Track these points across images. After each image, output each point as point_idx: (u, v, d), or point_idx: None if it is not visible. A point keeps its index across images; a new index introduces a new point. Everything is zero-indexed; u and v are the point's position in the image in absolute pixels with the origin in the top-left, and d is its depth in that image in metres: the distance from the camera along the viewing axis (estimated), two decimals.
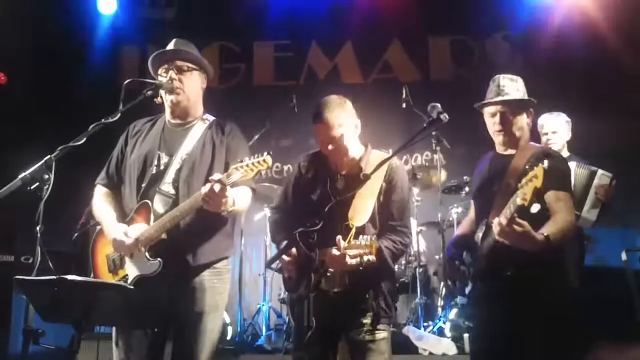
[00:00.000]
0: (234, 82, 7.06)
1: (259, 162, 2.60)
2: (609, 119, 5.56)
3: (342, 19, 6.94)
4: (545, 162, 2.41)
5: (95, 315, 2.41)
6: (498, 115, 2.90)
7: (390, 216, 2.87)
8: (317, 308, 2.53)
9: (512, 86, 2.93)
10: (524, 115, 2.94)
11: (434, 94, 5.93)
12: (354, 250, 2.63)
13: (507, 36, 6.72)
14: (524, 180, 2.44)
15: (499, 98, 2.90)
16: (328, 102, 2.91)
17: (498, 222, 2.51)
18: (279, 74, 7.13)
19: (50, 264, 2.20)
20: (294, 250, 2.85)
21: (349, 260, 2.65)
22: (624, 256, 4.54)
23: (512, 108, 2.90)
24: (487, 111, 2.96)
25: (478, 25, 6.71)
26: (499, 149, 2.99)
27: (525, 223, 2.47)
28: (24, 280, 2.24)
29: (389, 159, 2.74)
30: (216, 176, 2.62)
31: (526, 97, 2.96)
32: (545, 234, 2.52)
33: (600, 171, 4.39)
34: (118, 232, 2.82)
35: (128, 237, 2.80)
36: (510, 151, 2.93)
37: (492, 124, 2.93)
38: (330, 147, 2.87)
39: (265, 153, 2.61)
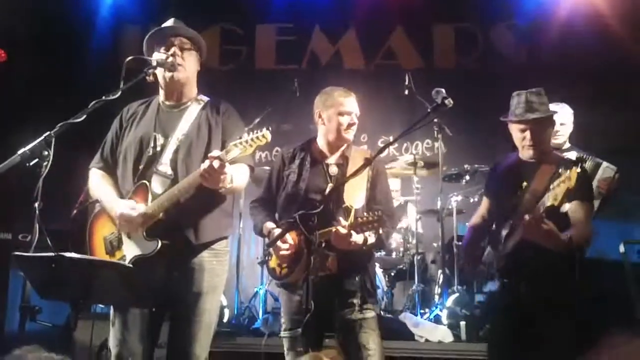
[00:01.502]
0: (236, 64, 7.01)
1: (257, 137, 2.60)
2: (612, 112, 5.54)
3: (346, 4, 6.91)
4: (580, 166, 2.61)
5: (92, 293, 2.40)
6: (528, 131, 3.05)
7: (378, 202, 3.08)
8: (312, 291, 2.58)
9: (540, 101, 3.09)
10: (550, 128, 3.16)
11: (436, 82, 5.84)
12: (360, 227, 2.81)
13: (512, 26, 6.66)
14: (556, 182, 2.63)
15: (530, 116, 3.05)
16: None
17: (527, 220, 2.70)
18: (281, 57, 7.07)
19: (49, 241, 2.18)
20: (289, 238, 2.95)
21: (354, 238, 2.83)
22: (621, 248, 4.55)
23: (541, 124, 3.07)
24: (516, 127, 3.11)
25: (483, 14, 6.67)
26: (525, 158, 3.13)
27: (551, 223, 2.69)
28: (22, 257, 2.23)
29: (392, 143, 2.88)
30: (215, 153, 2.63)
31: (551, 110, 3.15)
32: (569, 235, 2.76)
33: (605, 164, 4.37)
34: (124, 207, 2.81)
35: (135, 210, 2.78)
36: (535, 159, 3.09)
37: (522, 139, 3.09)
38: (354, 120, 3.16)
39: (264, 129, 2.61)
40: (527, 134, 3.05)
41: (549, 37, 6.26)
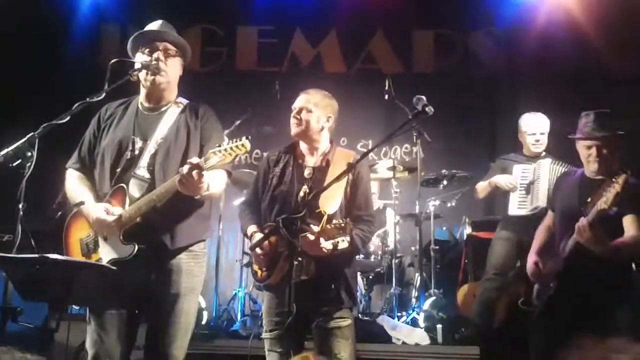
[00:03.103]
0: (216, 66, 6.99)
1: (237, 146, 2.60)
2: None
3: (327, 7, 6.90)
4: (628, 172, 2.84)
5: (74, 295, 2.40)
6: (594, 148, 3.23)
7: (357, 207, 3.08)
8: (293, 294, 2.60)
9: (607, 121, 3.27)
10: (616, 148, 3.28)
11: (415, 87, 5.92)
12: (329, 233, 2.80)
13: (491, 32, 6.72)
14: (607, 187, 2.87)
15: (597, 134, 3.24)
16: (313, 89, 3.21)
17: (581, 224, 2.94)
18: (262, 59, 7.06)
19: (33, 243, 2.18)
20: (265, 242, 2.96)
21: (323, 244, 2.82)
22: None
23: (606, 142, 3.24)
24: (583, 144, 3.30)
25: (463, 20, 6.74)
26: (590, 174, 3.32)
27: (598, 227, 2.92)
28: (5, 258, 2.22)
29: (373, 149, 2.88)
30: (194, 160, 2.62)
31: (619, 132, 3.29)
32: (618, 244, 2.99)
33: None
34: (99, 211, 2.80)
35: (111, 214, 2.78)
36: (600, 176, 3.23)
37: (587, 155, 3.27)
38: (297, 128, 3.12)
39: (244, 138, 2.62)
40: (593, 150, 3.23)
41: (526, 45, 6.36)
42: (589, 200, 3.09)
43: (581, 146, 3.31)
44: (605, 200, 2.84)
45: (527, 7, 6.46)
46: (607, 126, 3.26)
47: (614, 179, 2.88)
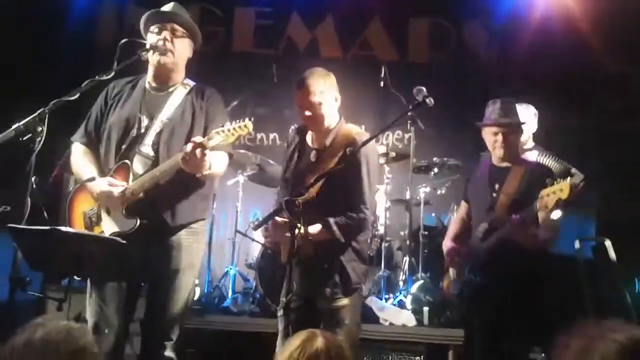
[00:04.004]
0: (213, 45, 6.95)
1: (240, 127, 2.70)
2: (575, 115, 5.76)
3: None
4: (570, 178, 2.89)
5: (81, 266, 2.48)
6: (500, 135, 3.35)
7: (341, 191, 2.97)
8: (295, 274, 2.71)
9: (512, 110, 3.44)
10: (519, 135, 3.50)
11: (410, 75, 6.04)
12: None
13: (486, 24, 6.77)
14: (546, 191, 2.92)
15: (503, 120, 3.37)
16: (313, 70, 3.06)
17: (515, 221, 3.05)
18: (259, 41, 7.07)
19: (45, 215, 2.25)
20: (279, 219, 2.93)
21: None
22: (577, 244, 4.72)
23: (512, 129, 3.39)
24: (489, 130, 3.41)
25: (459, 11, 6.79)
26: (496, 160, 3.44)
27: (534, 228, 3.08)
28: (16, 229, 2.29)
29: (372, 138, 2.94)
30: (197, 138, 2.71)
31: (523, 119, 3.52)
32: (546, 238, 3.15)
33: (573, 170, 4.54)
34: (103, 185, 2.88)
35: (115, 187, 2.85)
36: (506, 164, 3.39)
37: (493, 142, 3.38)
38: (307, 112, 2.99)
39: (247, 119, 2.70)
40: (499, 137, 3.34)
41: (521, 38, 6.40)
42: (496, 187, 3.31)
43: (487, 133, 3.43)
44: (545, 205, 2.93)
45: (522, 1, 6.49)
46: (512, 114, 3.41)
47: (556, 181, 2.94)
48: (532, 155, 4.57)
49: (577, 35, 6.18)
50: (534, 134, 4.76)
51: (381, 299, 4.81)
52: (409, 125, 5.08)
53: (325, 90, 3.00)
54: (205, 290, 5.17)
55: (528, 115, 4.68)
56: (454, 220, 3.80)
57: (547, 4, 6.36)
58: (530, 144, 4.71)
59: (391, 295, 4.97)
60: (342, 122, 3.13)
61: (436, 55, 6.91)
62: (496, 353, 3.20)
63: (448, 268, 3.61)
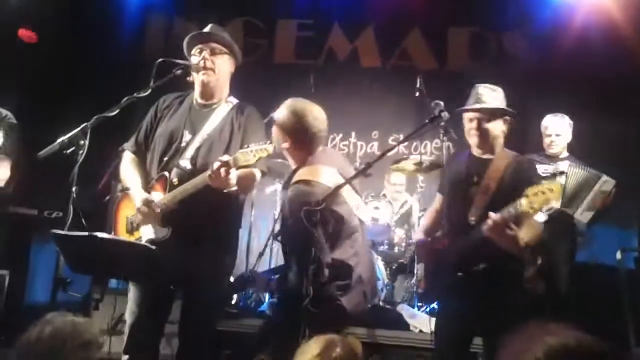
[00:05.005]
0: (256, 57, 7.17)
1: (260, 149, 2.80)
2: (614, 124, 5.65)
3: (365, 3, 7.06)
4: (558, 180, 2.68)
5: (117, 269, 2.67)
6: (475, 121, 3.16)
7: None
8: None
9: (491, 95, 3.19)
10: (500, 123, 3.18)
11: (449, 85, 6.06)
12: None
13: (526, 33, 6.74)
14: (533, 190, 2.66)
15: (477, 105, 3.16)
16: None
17: (493, 221, 2.77)
18: (300, 52, 7.25)
19: (84, 222, 2.45)
20: None
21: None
22: (618, 255, 4.66)
23: (488, 115, 3.15)
24: (466, 116, 3.22)
25: (498, 20, 6.78)
26: (475, 151, 3.24)
27: (516, 228, 2.78)
28: (59, 235, 2.50)
29: (388, 151, 3.05)
30: (224, 157, 2.82)
31: (503, 106, 3.20)
32: (526, 240, 2.86)
33: (604, 177, 4.51)
34: (139, 202, 3.06)
35: (146, 206, 3.03)
36: (487, 155, 3.19)
37: (469, 129, 3.20)
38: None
39: (268, 142, 2.82)
40: (474, 123, 3.16)
41: (560, 46, 6.34)
42: (475, 179, 3.10)
43: (465, 120, 3.24)
44: (529, 204, 2.65)
45: (563, 8, 6.45)
46: (491, 100, 3.17)
47: (535, 178, 2.85)
48: (563, 166, 4.55)
49: (617, 43, 6.08)
50: (569, 143, 4.77)
51: (413, 307, 4.87)
52: (441, 135, 5.11)
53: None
54: (243, 295, 5.34)
55: (562, 125, 4.69)
56: (427, 213, 3.59)
57: (587, 12, 6.29)
58: (565, 154, 4.72)
59: (424, 303, 5.01)
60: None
61: (475, 65, 6.89)
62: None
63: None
